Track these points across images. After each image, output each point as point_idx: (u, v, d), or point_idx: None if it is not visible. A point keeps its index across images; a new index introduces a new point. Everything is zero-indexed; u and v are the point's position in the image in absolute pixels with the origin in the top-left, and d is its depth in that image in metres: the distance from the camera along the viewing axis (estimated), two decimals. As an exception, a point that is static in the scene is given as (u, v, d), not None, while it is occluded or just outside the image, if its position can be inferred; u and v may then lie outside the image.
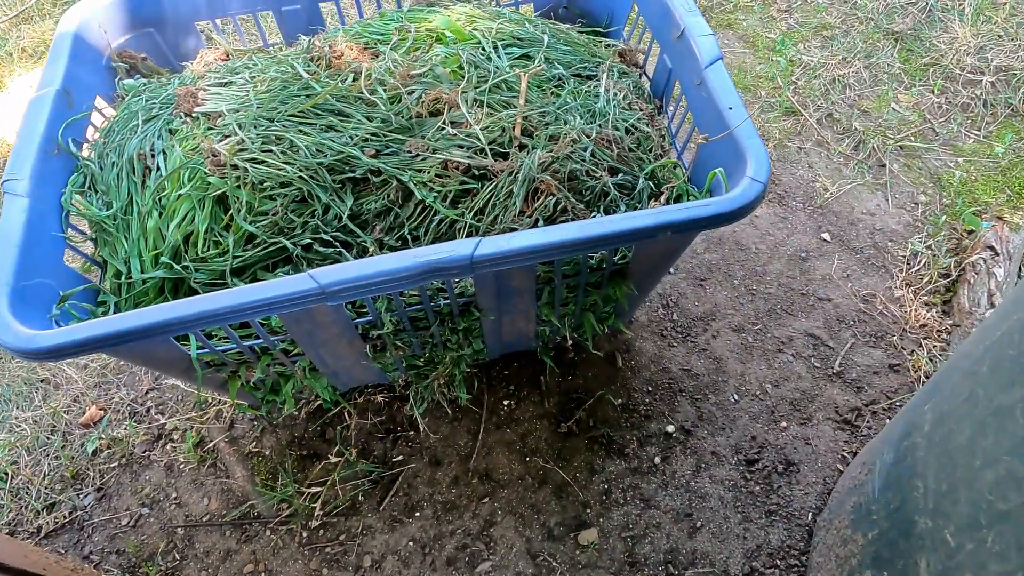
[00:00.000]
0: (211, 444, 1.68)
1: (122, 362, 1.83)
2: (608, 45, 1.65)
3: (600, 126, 1.39)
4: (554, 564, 1.47)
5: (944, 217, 1.93)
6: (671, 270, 1.91)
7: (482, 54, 1.42)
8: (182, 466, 1.66)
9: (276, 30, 1.77)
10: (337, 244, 1.30)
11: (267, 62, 1.48)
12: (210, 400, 1.74)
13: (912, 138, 2.13)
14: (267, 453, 1.66)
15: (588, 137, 1.35)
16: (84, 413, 1.74)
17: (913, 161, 2.08)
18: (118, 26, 1.62)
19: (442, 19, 1.46)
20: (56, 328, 1.14)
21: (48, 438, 1.70)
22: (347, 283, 1.07)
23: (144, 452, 1.68)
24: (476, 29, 1.49)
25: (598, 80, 1.48)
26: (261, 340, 1.27)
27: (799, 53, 2.40)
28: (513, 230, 1.28)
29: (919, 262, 1.85)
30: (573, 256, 1.25)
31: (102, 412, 1.75)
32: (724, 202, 1.15)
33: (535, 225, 1.28)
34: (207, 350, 1.26)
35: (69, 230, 1.34)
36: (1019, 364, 0.72)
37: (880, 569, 1.01)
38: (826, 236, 1.95)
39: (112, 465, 1.67)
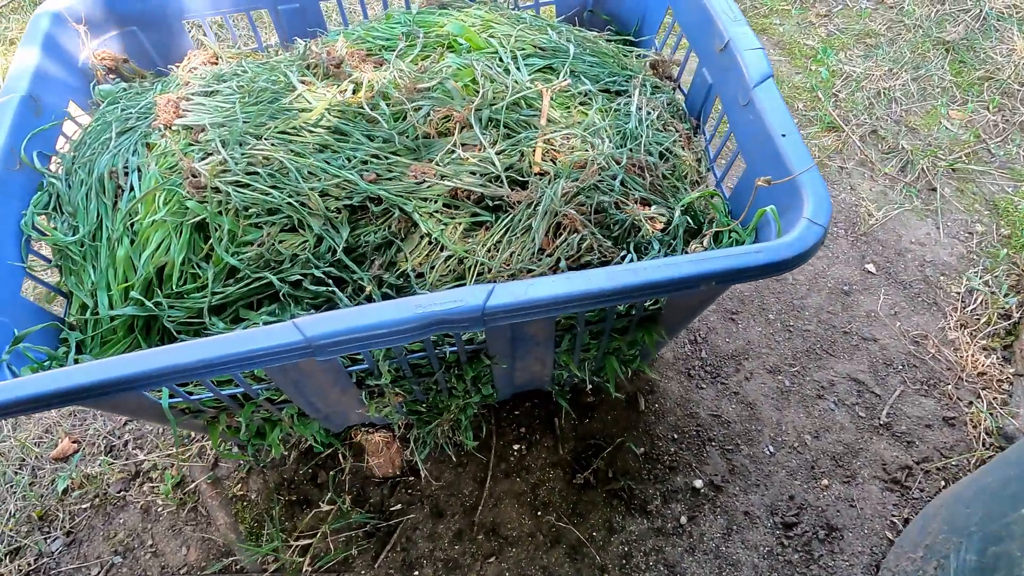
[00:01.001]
0: (192, 485, 1.53)
1: (100, 389, 1.69)
2: (639, 56, 1.48)
3: (631, 150, 1.22)
4: (567, 638, 1.32)
5: (1005, 251, 1.75)
6: (700, 301, 1.74)
7: (499, 66, 1.26)
8: (160, 509, 1.51)
9: (273, 29, 1.61)
10: (330, 281, 1.14)
11: (258, 69, 1.32)
12: (192, 435, 1.59)
13: (965, 159, 1.95)
14: (253, 497, 1.51)
15: (618, 163, 1.18)
16: (56, 446, 1.60)
17: (967, 185, 1.90)
18: (98, 23, 1.47)
19: (455, 25, 1.29)
20: (7, 377, 1.01)
21: (15, 473, 1.56)
22: (338, 336, 0.92)
23: (119, 492, 1.54)
24: (493, 36, 1.32)
25: (629, 96, 1.31)
26: (242, 389, 1.11)
27: (840, 63, 2.21)
28: (530, 270, 1.12)
29: (975, 300, 1.68)
30: (602, 307, 1.09)
31: (75, 445, 1.60)
32: (778, 248, 0.98)
33: (556, 265, 1.12)
34: (181, 399, 1.11)
35: (31, 256, 1.19)
36: None
37: None
38: (871, 267, 1.77)
39: (84, 506, 1.52)
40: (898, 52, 2.21)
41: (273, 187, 1.14)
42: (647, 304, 1.16)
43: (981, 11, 2.24)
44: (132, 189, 1.21)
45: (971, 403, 1.53)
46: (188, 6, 1.49)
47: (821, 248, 1.81)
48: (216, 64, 1.47)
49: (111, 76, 1.48)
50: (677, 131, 1.32)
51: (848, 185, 1.94)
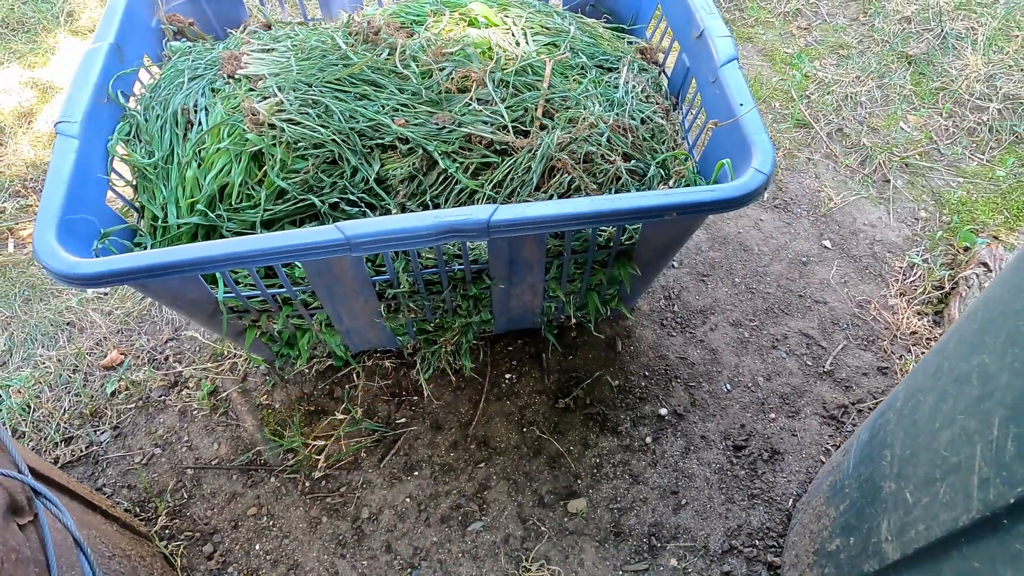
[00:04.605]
0: (224, 394, 1.76)
1: (144, 311, 1.92)
2: (630, 42, 1.73)
3: (617, 114, 1.47)
4: (543, 528, 1.54)
5: (941, 233, 2.00)
6: (674, 264, 1.98)
7: (511, 39, 1.51)
8: (195, 412, 1.74)
9: (316, 6, 1.86)
10: (362, 205, 1.38)
11: (308, 33, 1.57)
12: (225, 352, 1.82)
13: (917, 157, 2.20)
14: (276, 406, 1.74)
15: (605, 123, 1.43)
16: (106, 356, 1.83)
17: (917, 179, 2.15)
18: (169, -9, 1.72)
19: (478, 4, 1.54)
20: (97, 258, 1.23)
21: (70, 377, 1.79)
22: (371, 236, 1.15)
23: (160, 396, 1.76)
24: (507, 16, 1.57)
25: (619, 72, 1.56)
26: (284, 290, 1.35)
27: (815, 69, 2.47)
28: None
29: (915, 273, 1.92)
30: (583, 228, 1.32)
31: (123, 356, 1.83)
32: (729, 189, 1.22)
33: (549, 199, 1.36)
34: (233, 295, 1.34)
35: (112, 175, 1.43)
36: (978, 336, 0.79)
37: (848, 536, 1.08)
38: (827, 243, 2.02)
39: (129, 406, 1.75)
40: (866, 63, 2.47)
41: (320, 126, 1.38)
42: (623, 238, 1.40)
43: (942, 31, 2.51)
44: (200, 124, 1.45)
45: (902, 356, 1.77)
46: (247, -20, 1.74)
47: (785, 226, 2.06)
48: (269, 30, 1.72)
49: (178, 36, 1.72)
50: (658, 104, 1.57)
51: (813, 174, 2.19)
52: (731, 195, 1.22)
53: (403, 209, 1.39)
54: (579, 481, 1.61)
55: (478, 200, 1.38)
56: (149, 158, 1.44)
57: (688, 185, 1.46)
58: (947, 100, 2.33)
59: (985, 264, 1.81)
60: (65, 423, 1.72)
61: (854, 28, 2.62)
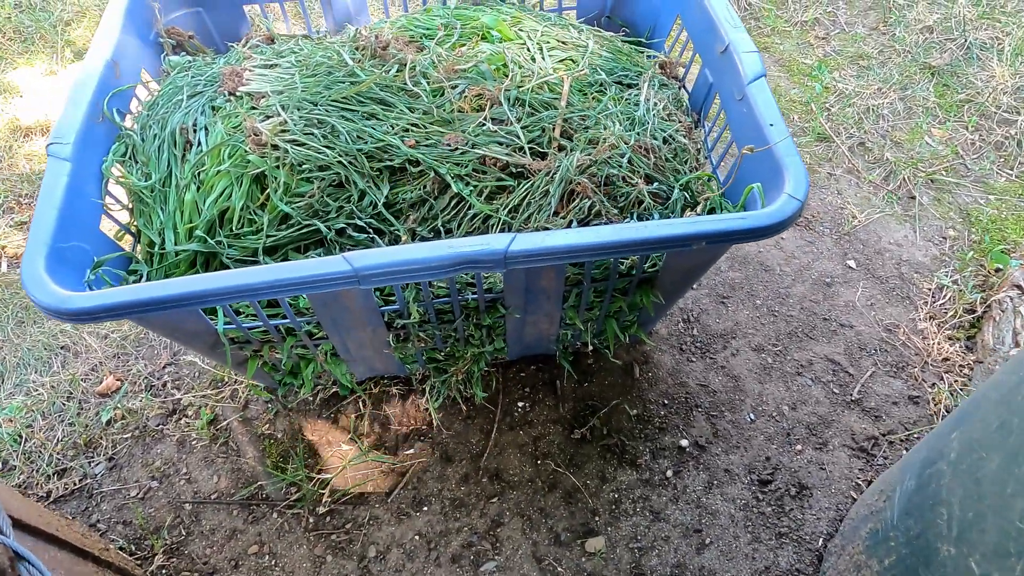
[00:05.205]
0: (224, 423, 1.68)
1: (142, 335, 1.85)
2: (650, 56, 1.66)
3: (639, 134, 1.39)
4: (559, 569, 1.46)
5: (972, 253, 1.92)
6: (695, 285, 1.91)
7: (527, 54, 1.44)
8: (194, 442, 1.66)
9: (321, 19, 1.79)
10: (370, 230, 1.31)
11: (313, 48, 1.50)
12: (226, 379, 1.75)
13: (943, 172, 2.12)
14: (279, 436, 1.66)
15: (626, 144, 1.35)
16: (101, 382, 1.75)
17: (943, 195, 2.08)
18: (169, 2, 1.64)
19: (490, 17, 1.47)
20: (89, 291, 1.16)
21: (64, 404, 1.71)
22: (381, 268, 1.08)
23: (158, 425, 1.69)
24: (522, 30, 1.50)
25: (639, 89, 1.49)
26: (288, 320, 1.27)
27: (834, 81, 2.40)
28: (547, 230, 1.28)
29: (944, 296, 1.84)
30: (606, 259, 1.25)
31: (119, 383, 1.76)
32: (761, 216, 1.15)
33: (569, 226, 1.28)
34: (234, 326, 1.27)
35: (107, 198, 1.36)
36: (1061, 393, 0.71)
37: (897, 595, 1.00)
38: (852, 263, 1.94)
39: (125, 436, 1.67)
40: (888, 74, 2.39)
41: (326, 147, 1.30)
42: (646, 265, 1.32)
43: (966, 40, 2.43)
44: (200, 144, 1.37)
45: (934, 384, 1.69)
46: (249, -9, 1.67)
47: (808, 244, 1.98)
48: (272, 43, 1.65)
49: (178, 50, 1.65)
50: (680, 122, 1.49)
51: (835, 190, 2.11)
52: (764, 223, 1.14)
53: (413, 235, 1.32)
54: (597, 518, 1.53)
55: (492, 225, 1.30)
56: (146, 180, 1.37)
57: (714, 209, 1.38)
58: (973, 113, 2.26)
59: (1019, 287, 1.73)
60: (58, 454, 1.64)
61: (874, 38, 2.54)
